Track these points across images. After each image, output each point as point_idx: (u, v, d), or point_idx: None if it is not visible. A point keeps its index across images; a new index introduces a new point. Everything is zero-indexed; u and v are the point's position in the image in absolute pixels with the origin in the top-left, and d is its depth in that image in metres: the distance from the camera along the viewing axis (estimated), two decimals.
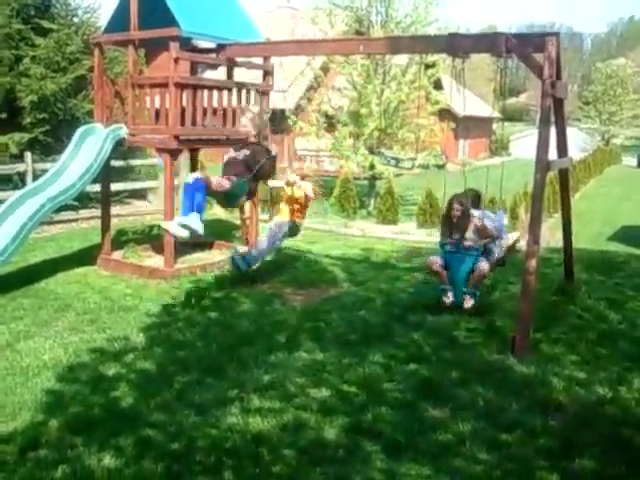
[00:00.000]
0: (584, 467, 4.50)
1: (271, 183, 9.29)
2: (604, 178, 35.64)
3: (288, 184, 9.32)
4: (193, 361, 6.39)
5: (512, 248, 8.60)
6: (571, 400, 5.57)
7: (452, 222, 7.99)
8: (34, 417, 5.21)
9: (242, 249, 9.87)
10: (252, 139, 8.70)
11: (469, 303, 7.80)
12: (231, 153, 8.44)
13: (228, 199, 8.38)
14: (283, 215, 9.53)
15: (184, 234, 7.98)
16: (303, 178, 9.59)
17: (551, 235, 13.43)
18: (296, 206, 9.42)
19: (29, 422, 5.12)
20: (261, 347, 6.77)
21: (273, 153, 8.63)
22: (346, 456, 4.63)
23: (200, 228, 7.91)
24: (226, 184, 7.91)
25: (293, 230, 9.57)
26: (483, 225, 7.91)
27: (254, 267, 9.42)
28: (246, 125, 8.98)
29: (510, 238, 8.70)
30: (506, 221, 8.57)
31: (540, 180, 6.91)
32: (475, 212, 8.09)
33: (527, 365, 6.25)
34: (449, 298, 7.85)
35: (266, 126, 9.31)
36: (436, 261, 7.97)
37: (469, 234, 7.95)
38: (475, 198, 8.48)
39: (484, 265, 7.73)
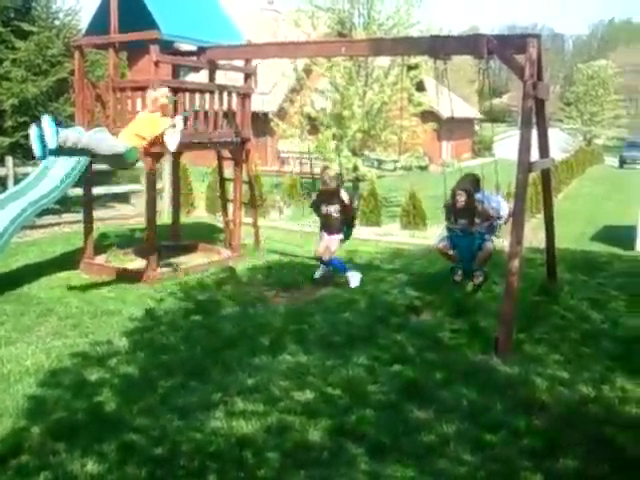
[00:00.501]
0: (568, 467, 4.52)
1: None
2: (586, 178, 35.87)
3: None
4: (177, 365, 6.36)
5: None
6: (554, 400, 5.59)
7: (457, 209, 8.44)
8: (15, 423, 5.15)
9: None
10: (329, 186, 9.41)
11: (479, 279, 8.45)
12: (325, 207, 9.51)
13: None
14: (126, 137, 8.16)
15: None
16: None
17: (534, 235, 13.51)
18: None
19: (10, 428, 5.06)
20: (245, 350, 6.75)
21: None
22: (330, 458, 4.62)
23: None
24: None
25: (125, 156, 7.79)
26: (483, 208, 8.37)
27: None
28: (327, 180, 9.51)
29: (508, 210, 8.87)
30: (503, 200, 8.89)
31: (522, 181, 6.95)
32: (476, 195, 8.47)
33: (510, 365, 6.28)
34: (459, 276, 8.51)
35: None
36: (445, 244, 8.64)
37: (476, 223, 8.38)
38: (474, 182, 8.82)
39: (489, 245, 8.37)
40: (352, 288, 9.25)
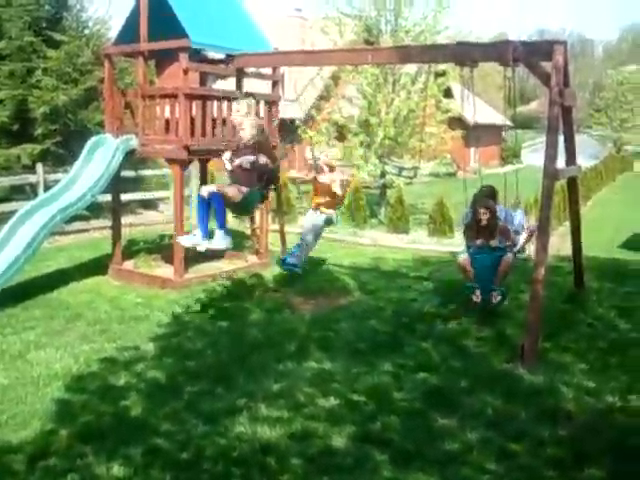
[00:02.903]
0: (593, 477, 4.50)
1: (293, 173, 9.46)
2: (616, 185, 35.45)
3: (317, 170, 9.73)
4: (203, 370, 6.42)
5: (531, 235, 8.57)
6: (580, 409, 5.56)
7: (480, 227, 8.17)
8: (44, 426, 5.25)
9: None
10: (246, 140, 8.09)
11: (497, 298, 7.96)
12: (235, 161, 7.86)
13: (242, 208, 8.29)
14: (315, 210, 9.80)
15: (201, 248, 8.08)
16: (331, 169, 9.86)
17: (562, 243, 13.40)
18: (326, 198, 9.63)
19: (39, 431, 5.16)
20: (270, 356, 6.79)
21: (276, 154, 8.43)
22: (354, 465, 4.64)
23: (228, 244, 8.16)
24: (241, 194, 7.74)
25: (328, 222, 9.87)
26: (506, 227, 8.19)
27: (304, 260, 9.80)
28: (244, 127, 8.17)
29: (530, 228, 8.75)
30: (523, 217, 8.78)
31: (548, 188, 6.91)
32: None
33: (536, 374, 6.25)
34: (478, 296, 8.01)
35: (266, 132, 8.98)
36: (466, 259, 8.23)
37: (495, 238, 8.16)
38: (491, 194, 8.68)
39: (509, 257, 8.00)
40: (378, 296, 9.23)
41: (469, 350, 7.07)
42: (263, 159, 7.78)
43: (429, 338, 7.40)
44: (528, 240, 8.52)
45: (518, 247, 8.38)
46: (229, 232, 8.14)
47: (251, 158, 7.75)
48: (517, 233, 8.45)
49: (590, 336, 7.47)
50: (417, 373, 6.36)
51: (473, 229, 8.30)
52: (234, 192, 7.69)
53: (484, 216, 8.09)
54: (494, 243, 8.12)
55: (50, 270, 10.51)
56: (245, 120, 8.34)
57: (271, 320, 8.10)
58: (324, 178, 9.66)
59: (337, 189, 9.48)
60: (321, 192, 9.71)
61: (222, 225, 7.96)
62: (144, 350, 7.02)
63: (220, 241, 7.97)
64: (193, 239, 8.08)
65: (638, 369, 6.43)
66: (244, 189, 7.72)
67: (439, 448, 4.89)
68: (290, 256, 9.75)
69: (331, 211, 9.74)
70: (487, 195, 8.60)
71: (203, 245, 7.99)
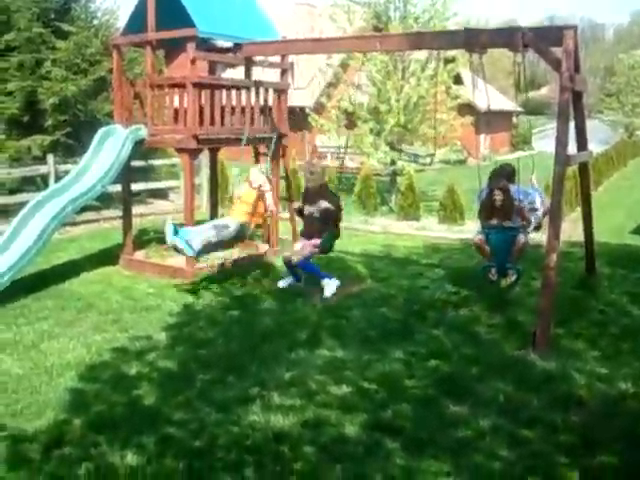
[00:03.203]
0: (605, 463, 4.49)
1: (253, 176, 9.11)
2: (628, 171, 35.23)
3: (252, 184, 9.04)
4: (214, 359, 6.44)
5: (546, 212, 8.59)
6: (592, 396, 5.55)
7: (494, 208, 8.23)
8: (58, 416, 5.28)
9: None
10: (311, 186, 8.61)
11: (512, 277, 8.18)
12: (307, 207, 8.60)
13: (326, 253, 8.83)
14: (236, 213, 9.08)
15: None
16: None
17: (574, 229, 13.35)
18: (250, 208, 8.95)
19: (53, 420, 5.19)
20: (282, 345, 6.80)
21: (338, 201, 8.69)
22: (366, 453, 4.65)
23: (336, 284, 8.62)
24: (317, 248, 8.50)
25: (239, 232, 9.00)
26: (521, 207, 8.25)
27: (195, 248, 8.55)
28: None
29: (544, 205, 8.76)
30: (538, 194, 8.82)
31: (559, 174, 6.89)
32: (511, 187, 8.33)
33: (548, 360, 6.24)
34: (494, 275, 8.23)
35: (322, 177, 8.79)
36: (481, 238, 8.34)
37: (510, 219, 8.20)
38: (509, 175, 8.74)
39: (522, 238, 8.06)
40: (389, 283, 9.24)
41: (480, 337, 7.07)
42: (325, 204, 8.38)
43: (440, 325, 7.40)
44: (544, 217, 8.54)
45: (533, 225, 8.40)
46: (331, 276, 8.72)
47: (322, 206, 8.39)
48: (533, 210, 8.46)
49: (602, 322, 7.45)
50: (428, 360, 6.36)
51: (488, 209, 8.34)
52: (311, 251, 8.50)
53: (498, 197, 8.14)
54: (508, 224, 8.15)
55: (61, 261, 10.55)
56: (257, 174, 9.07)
57: (283, 309, 8.11)
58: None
59: (269, 204, 9.11)
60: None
61: (323, 276, 8.65)
62: (156, 339, 7.05)
63: (331, 288, 8.54)
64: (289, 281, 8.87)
65: None
66: (316, 241, 8.46)
67: (451, 435, 4.89)
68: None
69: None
70: (503, 175, 8.62)
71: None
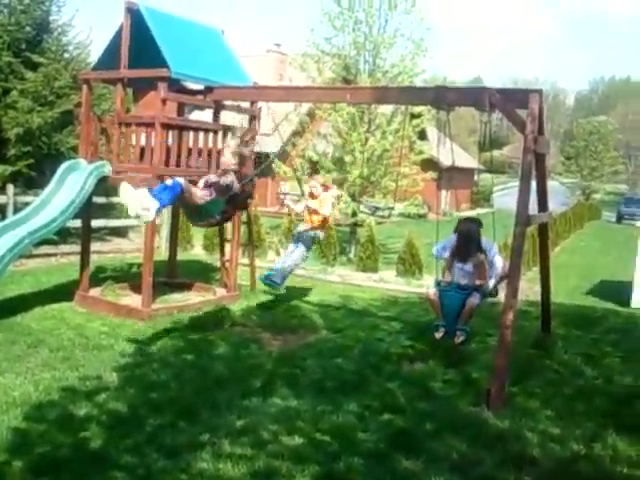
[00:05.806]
0: None
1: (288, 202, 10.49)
2: (584, 232, 35.94)
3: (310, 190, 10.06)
4: (166, 403, 6.30)
5: (504, 277, 8.59)
6: (545, 456, 5.54)
7: (458, 245, 8.33)
8: None
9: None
10: (233, 167, 8.41)
11: (460, 338, 8.11)
12: (212, 177, 8.40)
13: (199, 214, 8.01)
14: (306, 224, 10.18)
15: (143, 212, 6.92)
16: (325, 188, 10.21)
17: (529, 288, 13.51)
18: (315, 217, 9.99)
19: None
20: (235, 391, 6.70)
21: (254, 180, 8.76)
22: None
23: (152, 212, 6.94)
24: (207, 198, 7.76)
25: (313, 241, 10.24)
26: (483, 264, 8.26)
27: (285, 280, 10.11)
28: (227, 158, 8.65)
29: (503, 267, 8.78)
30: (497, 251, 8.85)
31: (519, 234, 6.97)
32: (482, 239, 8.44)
33: (502, 419, 6.24)
34: (440, 333, 8.19)
35: (250, 156, 9.02)
36: (436, 292, 8.30)
37: (471, 262, 8.26)
38: (479, 225, 8.73)
39: (474, 300, 8.02)
40: (345, 334, 9.21)
41: (435, 392, 7.04)
42: (232, 178, 8.11)
43: (395, 379, 7.37)
44: (501, 282, 8.55)
45: (491, 288, 8.40)
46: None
47: (229, 177, 8.12)
48: (491, 265, 8.46)
49: (556, 382, 7.49)
50: (382, 414, 6.30)
51: (454, 253, 8.41)
52: (200, 194, 7.75)
53: (463, 229, 8.35)
54: (463, 281, 8.21)
55: (14, 294, 10.32)
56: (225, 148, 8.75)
57: (237, 355, 8.01)
58: (313, 203, 9.97)
59: (325, 210, 9.84)
60: (313, 215, 10.02)
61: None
62: (107, 380, 6.89)
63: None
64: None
65: (603, 417, 6.44)
66: (212, 193, 7.91)
67: None
68: (274, 273, 9.96)
69: (319, 231, 10.17)
70: (475, 222, 8.67)
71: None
